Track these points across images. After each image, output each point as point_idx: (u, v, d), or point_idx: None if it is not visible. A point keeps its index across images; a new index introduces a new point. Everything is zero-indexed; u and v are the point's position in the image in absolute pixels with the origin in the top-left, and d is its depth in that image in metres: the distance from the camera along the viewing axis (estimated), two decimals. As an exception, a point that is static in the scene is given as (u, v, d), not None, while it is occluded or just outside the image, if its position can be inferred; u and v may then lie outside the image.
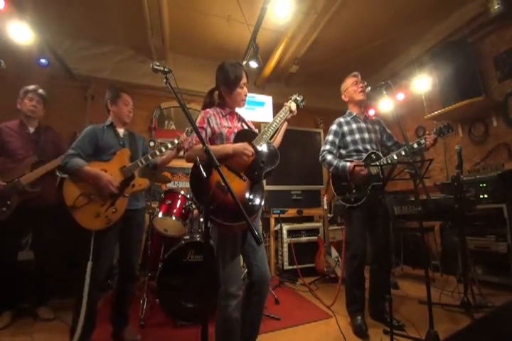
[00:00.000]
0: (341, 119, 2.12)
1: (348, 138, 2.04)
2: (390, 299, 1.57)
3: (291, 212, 3.50)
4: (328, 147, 2.06)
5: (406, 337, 1.65)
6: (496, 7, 2.70)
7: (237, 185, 1.28)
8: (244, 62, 3.44)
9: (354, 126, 2.07)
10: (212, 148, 1.28)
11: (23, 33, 2.60)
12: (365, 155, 1.97)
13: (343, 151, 2.07)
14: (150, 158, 1.76)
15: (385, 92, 1.86)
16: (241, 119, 1.55)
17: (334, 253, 3.09)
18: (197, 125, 1.37)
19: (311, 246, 3.35)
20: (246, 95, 1.49)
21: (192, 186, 1.26)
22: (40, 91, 2.20)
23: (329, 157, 2.01)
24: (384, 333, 1.75)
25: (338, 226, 3.47)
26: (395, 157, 1.86)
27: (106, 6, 3.01)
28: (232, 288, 1.26)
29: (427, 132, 1.89)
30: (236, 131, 1.41)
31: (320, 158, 2.08)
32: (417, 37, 3.58)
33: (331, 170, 2.01)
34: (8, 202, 1.91)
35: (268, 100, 4.07)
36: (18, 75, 2.93)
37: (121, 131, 1.84)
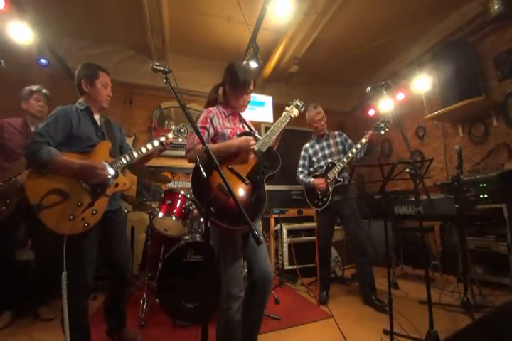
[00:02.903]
0: (307, 145, 2.68)
1: (314, 159, 2.60)
2: (390, 299, 1.57)
3: (291, 212, 3.50)
4: (300, 169, 2.65)
5: (406, 337, 1.65)
6: (496, 7, 2.70)
7: (240, 188, 1.27)
8: (244, 62, 3.44)
9: (317, 147, 2.61)
10: (215, 146, 1.29)
11: (23, 33, 2.60)
12: (324, 168, 2.47)
13: (311, 169, 2.62)
14: (136, 155, 1.57)
15: (385, 92, 1.86)
16: (242, 120, 1.55)
17: (334, 253, 3.09)
18: (199, 124, 1.36)
19: (311, 246, 3.34)
20: (249, 102, 1.51)
21: (193, 186, 1.24)
22: (45, 91, 2.21)
23: (301, 176, 2.59)
24: (384, 333, 1.75)
25: (338, 227, 3.47)
26: (345, 160, 2.34)
27: (106, 5, 3.02)
28: (234, 289, 1.24)
29: (365, 131, 2.33)
30: (239, 132, 1.41)
31: (296, 179, 2.64)
32: (417, 37, 3.58)
33: (302, 185, 2.60)
34: (8, 201, 1.90)
35: (268, 100, 4.07)
36: (18, 75, 2.93)
37: (97, 117, 1.60)
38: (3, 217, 1.89)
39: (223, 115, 1.44)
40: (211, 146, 1.27)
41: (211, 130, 1.36)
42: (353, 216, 2.43)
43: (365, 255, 2.36)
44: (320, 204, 2.42)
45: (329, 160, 2.48)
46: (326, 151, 2.54)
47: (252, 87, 1.47)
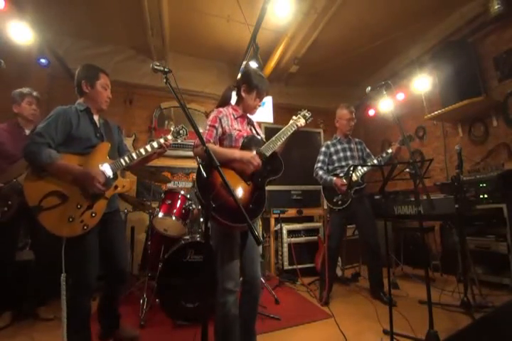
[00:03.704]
0: (328, 142, 2.70)
1: (334, 157, 2.61)
2: (390, 299, 1.57)
3: (291, 212, 3.50)
4: (319, 165, 2.64)
5: (406, 337, 1.65)
6: (496, 7, 2.70)
7: (241, 188, 1.34)
8: (244, 62, 3.44)
9: (339, 147, 2.63)
10: (220, 149, 1.36)
11: (23, 33, 2.60)
12: (346, 169, 2.53)
13: (330, 167, 2.63)
14: (135, 157, 1.55)
15: (385, 92, 1.86)
16: (250, 123, 1.61)
17: (334, 253, 3.09)
18: (209, 123, 1.41)
19: (311, 246, 3.35)
20: (260, 106, 1.58)
21: (198, 184, 1.28)
22: (35, 93, 2.18)
23: (320, 172, 2.58)
24: (384, 333, 1.75)
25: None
26: (365, 169, 2.44)
27: (107, 5, 3.01)
28: (230, 284, 1.30)
29: (393, 143, 2.47)
30: (245, 135, 1.46)
31: (314, 174, 2.64)
32: (417, 37, 3.58)
33: (321, 182, 2.57)
34: (10, 202, 1.90)
35: (268, 100, 4.06)
36: (18, 75, 2.93)
37: (95, 118, 1.60)
38: (6, 217, 1.89)
39: (232, 116, 1.48)
40: (217, 148, 1.35)
41: (219, 129, 1.41)
42: (368, 218, 2.51)
43: (378, 257, 2.45)
44: (340, 203, 2.44)
45: (350, 162, 2.54)
46: (348, 153, 2.59)
47: (265, 95, 1.54)
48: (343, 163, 2.56)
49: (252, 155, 1.37)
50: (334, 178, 2.45)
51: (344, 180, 2.42)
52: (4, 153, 2.02)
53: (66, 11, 3.05)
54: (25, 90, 2.15)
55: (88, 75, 1.57)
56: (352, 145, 2.64)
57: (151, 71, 1.15)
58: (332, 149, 2.64)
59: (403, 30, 3.34)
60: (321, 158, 2.65)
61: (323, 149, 2.67)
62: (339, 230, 2.54)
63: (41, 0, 2.81)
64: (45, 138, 1.34)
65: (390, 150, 2.42)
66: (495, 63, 2.99)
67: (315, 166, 2.65)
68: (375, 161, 2.44)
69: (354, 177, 2.41)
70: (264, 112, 3.98)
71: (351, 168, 2.46)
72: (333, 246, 2.51)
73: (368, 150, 2.70)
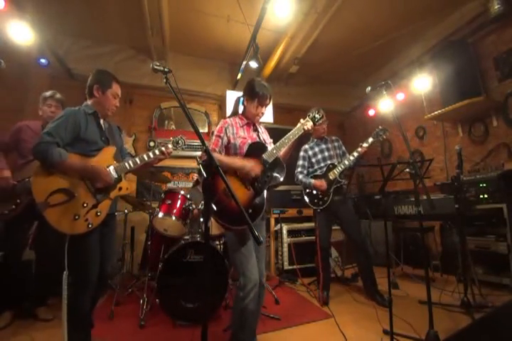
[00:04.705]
0: (306, 146, 2.73)
1: (313, 160, 2.66)
2: (390, 299, 1.57)
3: (291, 212, 3.50)
4: (299, 169, 2.68)
5: (406, 337, 1.65)
6: (496, 7, 2.70)
7: (241, 193, 1.40)
8: (245, 62, 3.44)
9: (316, 149, 2.67)
10: (222, 158, 1.43)
11: (23, 33, 2.60)
12: (324, 169, 2.54)
13: (310, 169, 2.67)
14: (139, 162, 1.59)
15: (385, 92, 1.86)
16: (256, 130, 1.65)
17: (334, 253, 3.09)
18: (215, 133, 1.52)
19: (311, 246, 3.34)
20: (263, 114, 1.63)
21: (203, 187, 1.32)
22: (58, 96, 2.21)
23: (300, 176, 2.62)
24: (384, 333, 1.75)
25: (338, 227, 3.47)
26: (347, 162, 2.42)
27: (107, 5, 3.02)
28: (251, 280, 1.34)
29: (360, 144, 2.43)
30: (250, 141, 1.52)
31: (295, 179, 2.66)
32: (417, 37, 3.58)
33: (302, 185, 2.63)
34: (18, 201, 1.93)
35: (268, 100, 4.06)
36: (18, 75, 2.93)
37: (101, 121, 1.63)
38: (12, 215, 1.91)
39: (238, 125, 1.57)
40: (220, 156, 1.44)
41: (225, 138, 1.52)
42: (351, 217, 2.54)
43: (367, 255, 2.46)
44: (321, 203, 2.47)
45: (329, 162, 2.57)
46: (326, 153, 2.63)
47: (267, 101, 1.59)
48: (322, 164, 2.59)
49: (251, 165, 1.43)
50: (312, 181, 2.49)
51: (323, 180, 2.45)
52: (24, 151, 2.04)
53: (66, 10, 3.05)
54: (48, 93, 2.18)
55: (102, 81, 1.59)
56: (329, 145, 2.68)
57: (151, 71, 1.15)
58: (310, 152, 2.68)
59: (403, 30, 3.35)
60: (300, 162, 2.70)
61: (301, 154, 2.70)
62: (326, 230, 2.57)
63: None
64: (55, 137, 1.36)
65: (360, 149, 2.42)
66: (495, 63, 2.99)
67: (295, 171, 2.68)
68: (346, 162, 2.43)
69: (332, 175, 2.45)
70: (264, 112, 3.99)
71: (330, 167, 2.50)
72: (325, 246, 2.55)
73: (343, 148, 2.72)
